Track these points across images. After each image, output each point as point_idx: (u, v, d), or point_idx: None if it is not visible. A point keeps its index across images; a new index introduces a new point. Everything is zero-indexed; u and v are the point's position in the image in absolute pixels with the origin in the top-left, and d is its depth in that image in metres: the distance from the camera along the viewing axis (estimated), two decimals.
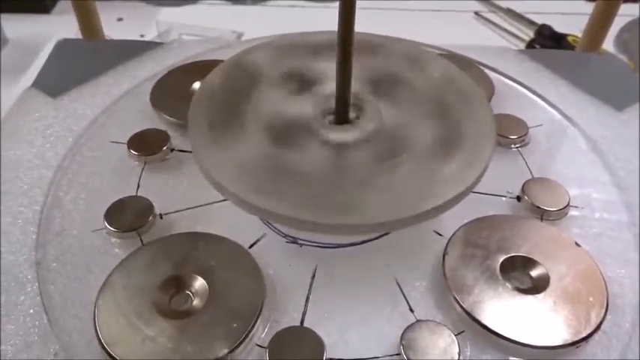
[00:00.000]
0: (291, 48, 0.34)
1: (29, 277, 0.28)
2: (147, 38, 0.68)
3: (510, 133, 0.36)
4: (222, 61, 0.34)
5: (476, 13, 0.75)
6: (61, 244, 0.30)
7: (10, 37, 0.67)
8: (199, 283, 0.27)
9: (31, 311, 0.27)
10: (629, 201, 0.33)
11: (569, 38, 0.66)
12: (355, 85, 0.31)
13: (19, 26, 0.68)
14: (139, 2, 0.76)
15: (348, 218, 0.25)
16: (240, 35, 0.69)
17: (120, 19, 0.72)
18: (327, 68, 0.31)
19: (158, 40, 0.66)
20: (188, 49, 0.44)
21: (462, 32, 0.70)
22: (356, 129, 0.29)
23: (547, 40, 0.67)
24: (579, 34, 0.56)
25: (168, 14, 0.73)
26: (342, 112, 0.30)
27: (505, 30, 0.71)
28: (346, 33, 0.27)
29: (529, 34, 0.69)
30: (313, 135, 0.29)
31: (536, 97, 0.41)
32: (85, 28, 0.48)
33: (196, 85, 0.38)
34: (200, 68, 0.40)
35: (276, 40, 0.35)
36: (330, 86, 0.30)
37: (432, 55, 0.34)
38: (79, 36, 0.49)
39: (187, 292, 0.27)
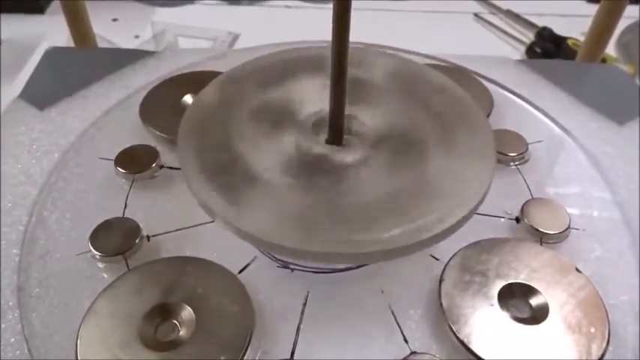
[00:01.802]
0: (286, 62, 0.33)
1: (10, 303, 0.27)
2: (142, 39, 0.67)
3: (509, 150, 0.35)
4: (214, 72, 0.33)
5: (475, 14, 0.73)
6: (45, 268, 0.29)
7: (3, 38, 0.66)
8: (186, 312, 0.26)
9: (12, 340, 0.26)
10: (631, 221, 0.32)
11: (570, 42, 0.65)
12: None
13: (12, 26, 0.67)
14: (134, 2, 0.74)
15: (334, 247, 0.24)
16: (236, 37, 0.68)
17: (115, 20, 0.71)
18: (325, 85, 0.30)
19: (153, 41, 0.66)
20: (182, 59, 0.43)
21: (461, 34, 0.69)
22: (349, 150, 0.28)
23: (547, 44, 0.65)
24: (580, 37, 0.55)
25: (164, 14, 0.72)
26: (334, 131, 0.29)
27: (505, 32, 0.70)
28: (340, 49, 0.26)
29: (529, 36, 0.68)
30: (302, 154, 0.28)
31: (536, 110, 0.40)
32: (76, 33, 0.47)
33: (187, 98, 0.37)
34: (191, 80, 0.39)
35: (271, 55, 0.34)
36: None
37: (432, 71, 0.33)
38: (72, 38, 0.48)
39: (174, 321, 0.26)
